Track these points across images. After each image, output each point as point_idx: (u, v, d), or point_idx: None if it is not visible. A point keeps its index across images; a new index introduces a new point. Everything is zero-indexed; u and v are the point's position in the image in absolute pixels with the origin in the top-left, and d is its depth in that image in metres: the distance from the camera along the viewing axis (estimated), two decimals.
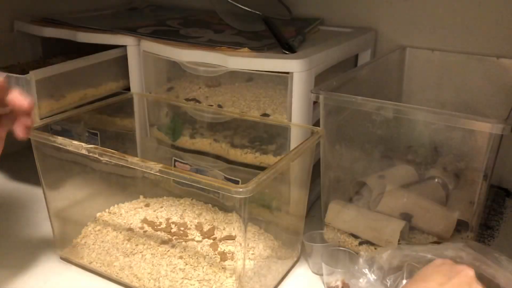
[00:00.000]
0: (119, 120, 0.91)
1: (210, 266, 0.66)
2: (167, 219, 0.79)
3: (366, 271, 0.58)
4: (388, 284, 0.58)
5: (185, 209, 0.82)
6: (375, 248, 0.69)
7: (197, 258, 0.68)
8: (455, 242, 0.60)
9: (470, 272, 0.49)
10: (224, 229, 0.76)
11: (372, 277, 0.57)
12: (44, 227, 0.79)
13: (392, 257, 0.59)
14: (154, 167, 0.57)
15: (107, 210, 0.81)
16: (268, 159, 0.77)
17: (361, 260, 0.59)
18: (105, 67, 0.88)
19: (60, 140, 0.63)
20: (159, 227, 0.76)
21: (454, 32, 0.91)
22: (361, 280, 0.58)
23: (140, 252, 0.70)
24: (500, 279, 0.54)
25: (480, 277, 0.55)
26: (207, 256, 0.68)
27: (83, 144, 0.61)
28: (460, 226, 0.68)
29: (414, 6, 0.93)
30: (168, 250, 0.70)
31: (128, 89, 0.91)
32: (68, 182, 0.75)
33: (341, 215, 0.74)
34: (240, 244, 0.58)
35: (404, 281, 0.57)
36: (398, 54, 0.94)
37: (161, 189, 0.88)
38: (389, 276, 0.58)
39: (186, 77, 0.83)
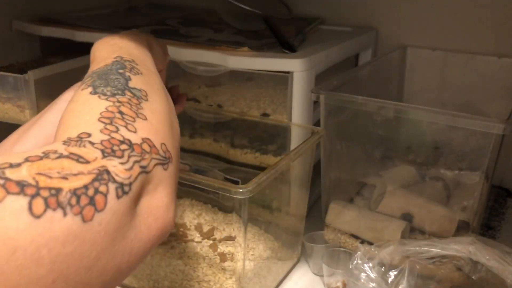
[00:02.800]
0: None
1: (210, 267, 0.66)
2: None
3: (366, 267, 0.57)
4: (389, 281, 0.57)
5: (185, 210, 0.82)
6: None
7: (196, 259, 0.68)
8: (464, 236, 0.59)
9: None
10: (224, 229, 0.76)
11: (372, 273, 0.57)
12: None
13: (394, 253, 0.58)
14: None
15: None
16: (268, 159, 0.77)
17: (359, 256, 0.58)
18: None
19: None
20: None
21: (455, 31, 0.91)
22: (362, 275, 0.57)
23: None
24: (507, 276, 0.53)
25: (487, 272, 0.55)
26: (206, 257, 0.68)
27: None
28: (461, 227, 0.67)
29: (415, 5, 0.93)
30: (168, 251, 0.69)
31: None
32: None
33: (341, 216, 0.73)
34: (240, 245, 0.57)
35: (405, 278, 0.56)
36: (399, 53, 0.94)
37: None
38: (390, 272, 0.57)
39: (186, 77, 0.83)
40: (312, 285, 0.69)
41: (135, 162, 0.31)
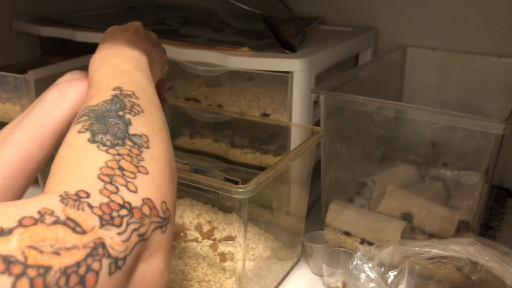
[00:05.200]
0: None
1: (210, 267, 0.66)
2: None
3: (365, 267, 0.57)
4: (389, 281, 0.57)
5: (185, 210, 0.82)
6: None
7: (196, 259, 0.68)
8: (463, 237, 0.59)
9: (137, 22, 0.55)
10: (224, 229, 0.76)
11: (371, 273, 0.57)
12: None
13: (394, 253, 0.58)
14: None
15: None
16: (268, 159, 0.77)
17: (359, 256, 0.58)
18: None
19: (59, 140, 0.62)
20: None
21: (455, 31, 0.90)
22: (361, 275, 0.57)
23: None
24: (507, 277, 0.53)
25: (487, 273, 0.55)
26: (206, 257, 0.68)
27: None
28: (461, 227, 0.67)
29: (415, 5, 0.93)
30: None
31: None
32: None
33: (341, 216, 0.73)
34: (240, 245, 0.57)
35: (405, 278, 0.56)
36: (399, 53, 0.94)
37: None
38: (390, 272, 0.57)
39: (186, 77, 0.83)
40: (312, 285, 0.69)
41: (133, 230, 0.29)
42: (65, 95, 0.52)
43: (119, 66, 0.45)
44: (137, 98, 0.40)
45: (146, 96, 0.41)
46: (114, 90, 0.40)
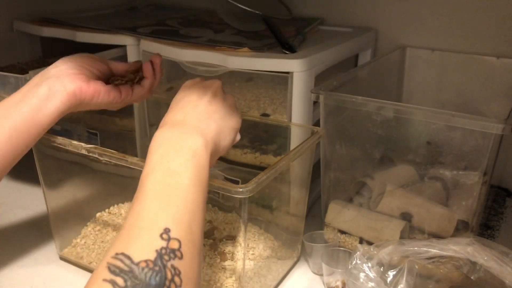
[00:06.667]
0: (119, 120, 0.91)
1: (210, 266, 0.66)
2: None
3: (365, 266, 0.58)
4: (388, 280, 0.57)
5: None
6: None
7: None
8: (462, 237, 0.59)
9: (218, 82, 0.55)
10: (224, 229, 0.76)
11: (371, 273, 0.57)
12: (44, 227, 0.79)
13: (393, 253, 0.59)
14: None
15: (107, 210, 0.81)
16: (268, 159, 0.77)
17: (358, 256, 0.58)
18: None
19: (60, 140, 0.63)
20: None
21: (454, 32, 0.91)
22: (361, 274, 0.57)
23: None
24: (506, 276, 0.54)
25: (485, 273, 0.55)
26: (207, 257, 0.68)
27: (82, 144, 0.61)
28: (460, 226, 0.68)
29: (415, 6, 0.93)
30: None
31: None
32: (68, 182, 0.74)
33: (341, 215, 0.73)
34: (240, 245, 0.58)
35: (404, 278, 0.56)
36: (398, 54, 0.94)
37: None
38: (389, 271, 0.58)
39: (186, 77, 0.83)
40: (311, 284, 0.69)
41: None
42: (54, 93, 0.53)
43: (174, 177, 0.43)
44: (181, 256, 0.37)
45: (191, 242, 0.39)
46: (161, 237, 0.37)
